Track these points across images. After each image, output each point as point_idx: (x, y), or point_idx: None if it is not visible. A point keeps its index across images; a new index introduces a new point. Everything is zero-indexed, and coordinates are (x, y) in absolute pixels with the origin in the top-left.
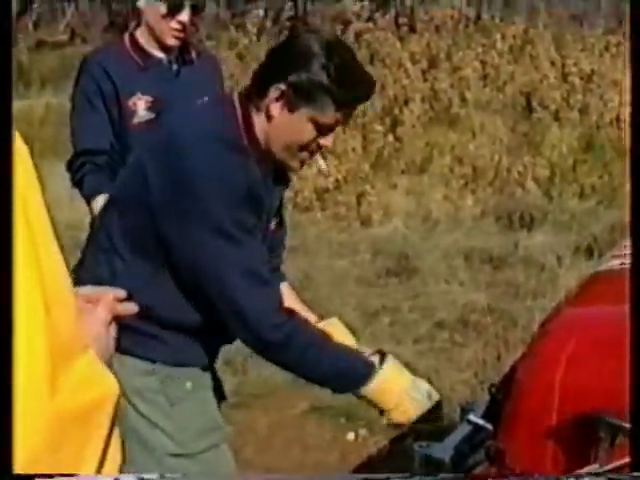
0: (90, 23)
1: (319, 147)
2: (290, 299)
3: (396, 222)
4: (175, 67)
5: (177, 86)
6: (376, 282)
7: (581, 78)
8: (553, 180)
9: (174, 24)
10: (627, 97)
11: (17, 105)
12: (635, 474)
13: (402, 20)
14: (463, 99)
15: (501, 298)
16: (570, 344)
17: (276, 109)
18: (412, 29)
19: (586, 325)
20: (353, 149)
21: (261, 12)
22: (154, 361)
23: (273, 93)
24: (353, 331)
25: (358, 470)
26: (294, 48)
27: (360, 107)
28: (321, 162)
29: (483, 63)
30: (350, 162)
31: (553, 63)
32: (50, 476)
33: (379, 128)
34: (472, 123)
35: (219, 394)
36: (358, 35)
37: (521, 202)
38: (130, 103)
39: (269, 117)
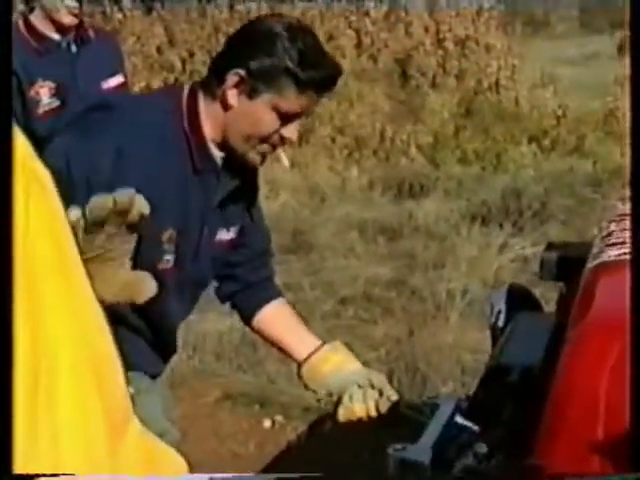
0: None
1: (282, 140)
2: (287, 319)
3: (284, 196)
4: (74, 48)
5: (78, 69)
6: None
7: (456, 44)
8: (436, 147)
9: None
10: (503, 62)
11: None
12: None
13: None
14: None
15: (401, 270)
16: (613, 351)
17: (234, 97)
18: None
19: (625, 328)
20: None
21: None
22: None
23: (231, 80)
24: None
25: (277, 459)
26: (254, 31)
27: None
28: (283, 156)
29: (357, 31)
30: None
31: (427, 29)
32: (50, 476)
33: None
34: (350, 92)
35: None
36: (231, 6)
37: (407, 170)
38: (32, 92)
39: (226, 106)
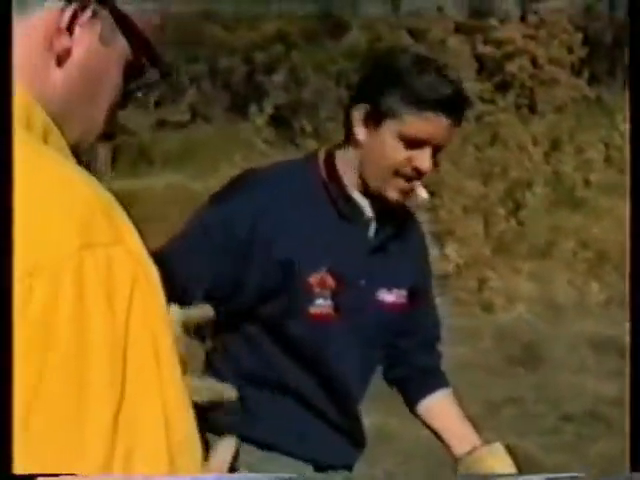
0: (212, 102)
1: (417, 173)
2: (451, 412)
3: (520, 308)
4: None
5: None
6: (500, 371)
7: None
8: None
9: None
10: None
11: (138, 184)
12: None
13: (522, 101)
14: (587, 182)
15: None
16: None
17: (362, 133)
18: (532, 110)
19: None
20: (475, 233)
21: None
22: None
23: (356, 115)
24: (474, 423)
25: None
26: (381, 67)
27: (481, 190)
28: (422, 192)
29: (606, 144)
30: (471, 246)
31: None
32: (50, 476)
33: (501, 211)
34: (597, 206)
35: None
36: (479, 117)
37: None
38: None
39: (357, 144)
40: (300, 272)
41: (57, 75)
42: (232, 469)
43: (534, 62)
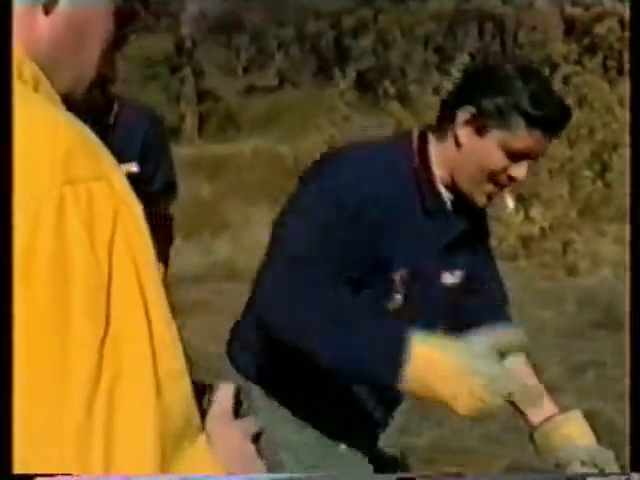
0: (300, 67)
1: (509, 179)
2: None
3: (605, 271)
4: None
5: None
6: (583, 334)
7: None
8: None
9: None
10: None
11: (226, 148)
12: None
13: (611, 63)
14: None
15: None
16: None
17: (464, 134)
18: (621, 72)
19: None
20: (560, 195)
21: (466, 57)
22: None
23: (461, 117)
24: (557, 386)
25: None
26: (486, 72)
27: (567, 152)
28: (509, 200)
29: None
30: (557, 209)
31: None
32: (50, 476)
33: (587, 174)
34: None
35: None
36: (566, 78)
37: None
38: None
39: (458, 144)
40: (386, 268)
41: (44, 24)
42: (236, 414)
43: (622, 24)
